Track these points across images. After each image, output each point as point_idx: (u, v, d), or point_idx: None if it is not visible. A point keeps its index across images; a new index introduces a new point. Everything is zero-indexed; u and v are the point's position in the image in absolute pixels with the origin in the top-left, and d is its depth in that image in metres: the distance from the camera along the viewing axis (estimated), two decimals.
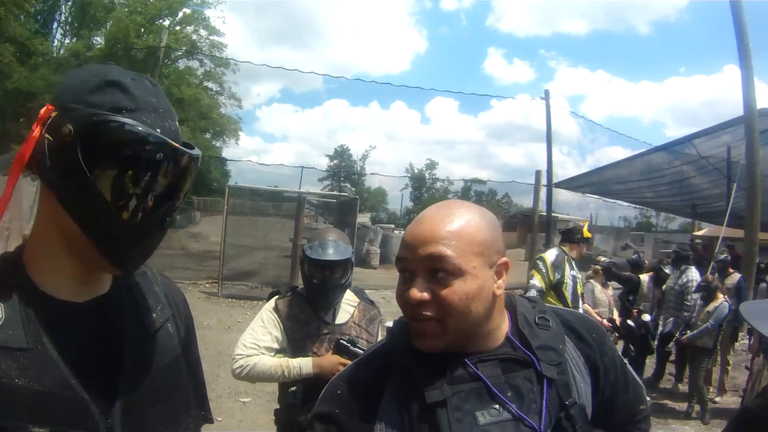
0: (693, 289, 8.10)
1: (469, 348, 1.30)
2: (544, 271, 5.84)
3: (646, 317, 8.20)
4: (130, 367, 1.16)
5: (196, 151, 1.15)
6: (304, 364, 2.87)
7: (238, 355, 2.95)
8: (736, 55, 10.53)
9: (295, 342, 2.97)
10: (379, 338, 2.94)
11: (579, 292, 6.15)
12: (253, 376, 2.93)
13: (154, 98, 1.11)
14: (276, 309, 3.04)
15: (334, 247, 2.99)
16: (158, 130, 1.07)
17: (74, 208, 1.07)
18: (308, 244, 3.09)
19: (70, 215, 1.07)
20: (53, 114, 1.06)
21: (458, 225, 1.26)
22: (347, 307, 3.14)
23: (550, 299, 5.73)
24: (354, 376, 1.37)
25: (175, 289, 1.43)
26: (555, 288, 5.80)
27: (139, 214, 1.08)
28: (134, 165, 1.05)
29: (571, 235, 6.22)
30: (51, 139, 1.05)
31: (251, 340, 2.95)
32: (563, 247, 6.13)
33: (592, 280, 8.22)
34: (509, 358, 1.30)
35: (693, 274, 8.39)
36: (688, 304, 8.07)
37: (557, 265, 5.89)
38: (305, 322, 3.00)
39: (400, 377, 1.29)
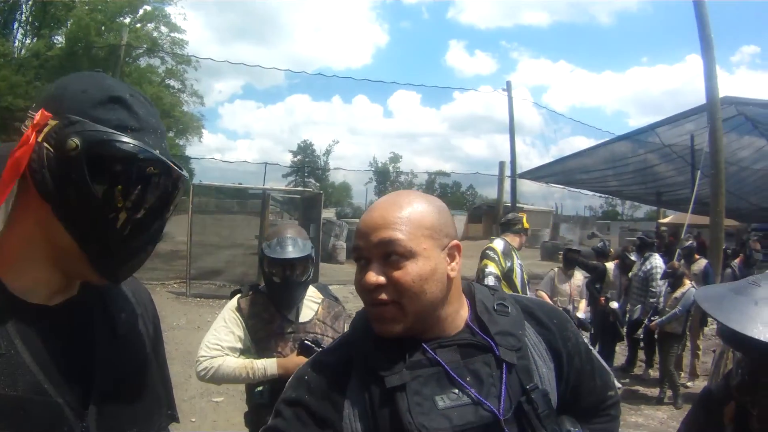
0: (658, 275, 8.26)
1: (428, 333, 1.33)
2: (496, 259, 5.86)
3: (614, 305, 8.37)
4: (103, 369, 1.15)
5: (184, 171, 1.18)
6: (268, 365, 2.83)
7: (201, 356, 2.87)
8: (698, 44, 10.67)
9: (258, 341, 2.92)
10: None
11: (526, 280, 6.22)
12: (218, 378, 2.86)
13: (153, 119, 1.14)
14: (238, 308, 2.97)
15: (293, 245, 2.94)
16: (157, 151, 1.10)
17: (72, 221, 1.06)
18: (266, 243, 3.03)
19: (66, 227, 1.07)
20: (51, 122, 1.05)
21: (407, 210, 1.32)
22: (311, 305, 3.09)
23: (503, 287, 5.74)
24: (321, 363, 1.39)
25: (142, 288, 1.44)
26: (506, 276, 5.83)
27: (137, 230, 1.11)
28: (137, 185, 1.08)
29: (511, 226, 6.25)
30: (51, 149, 1.04)
31: (214, 341, 2.88)
32: (506, 238, 6.15)
33: (555, 269, 8.29)
34: (468, 343, 1.34)
35: (657, 261, 8.60)
36: (653, 290, 8.26)
37: (506, 254, 5.92)
38: (269, 320, 2.95)
39: (362, 364, 1.32)
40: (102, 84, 1.11)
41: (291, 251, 2.92)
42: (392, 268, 1.27)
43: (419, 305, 1.28)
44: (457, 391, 1.27)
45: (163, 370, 1.44)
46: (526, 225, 6.27)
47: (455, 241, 1.37)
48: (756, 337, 0.81)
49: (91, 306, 1.20)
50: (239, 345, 2.90)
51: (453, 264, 1.35)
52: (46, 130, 1.04)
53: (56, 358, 1.09)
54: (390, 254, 1.28)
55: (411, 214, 1.31)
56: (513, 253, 5.98)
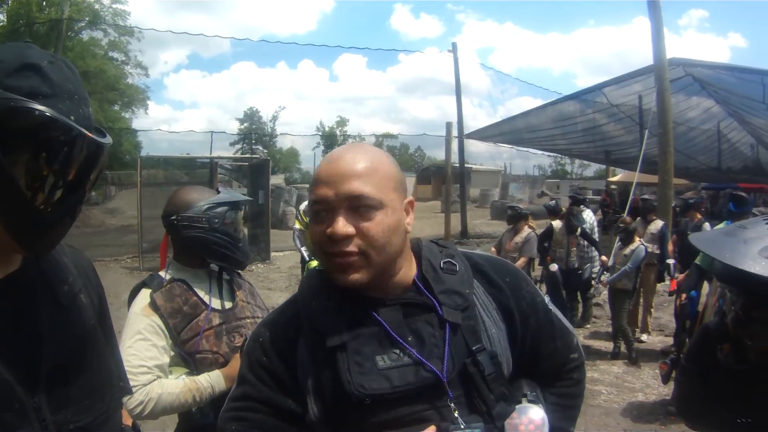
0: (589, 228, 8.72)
1: (377, 290, 1.31)
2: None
3: (554, 267, 8.44)
4: (49, 344, 1.15)
5: (107, 139, 1.14)
6: (215, 382, 2.29)
7: (132, 387, 2.07)
8: (645, 7, 10.82)
9: (184, 344, 2.32)
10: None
11: None
12: (158, 412, 2.24)
13: (70, 84, 1.10)
14: (154, 307, 2.31)
15: (230, 192, 2.65)
16: (72, 117, 1.05)
17: None
18: (196, 204, 2.49)
19: None
20: None
21: (373, 161, 1.29)
22: (225, 286, 2.57)
23: None
24: (273, 323, 1.39)
25: (85, 258, 1.42)
26: None
27: (51, 201, 1.07)
28: (47, 153, 1.04)
29: None
30: None
31: (138, 363, 2.20)
32: None
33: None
34: (411, 302, 1.32)
35: (587, 216, 9.04)
36: (581, 243, 8.63)
37: (307, 212, 6.33)
38: (193, 315, 2.35)
39: (307, 324, 1.31)
40: (21, 53, 1.08)
41: (238, 194, 2.60)
42: (362, 219, 1.24)
43: (384, 257, 1.27)
44: (398, 351, 1.24)
45: (112, 342, 1.44)
46: None
47: (410, 197, 1.37)
48: (747, 270, 0.88)
49: (33, 280, 1.19)
50: (166, 358, 2.29)
51: (408, 218, 1.35)
52: None
53: (1, 334, 1.08)
54: (360, 205, 1.24)
55: (379, 166, 1.29)
56: None
